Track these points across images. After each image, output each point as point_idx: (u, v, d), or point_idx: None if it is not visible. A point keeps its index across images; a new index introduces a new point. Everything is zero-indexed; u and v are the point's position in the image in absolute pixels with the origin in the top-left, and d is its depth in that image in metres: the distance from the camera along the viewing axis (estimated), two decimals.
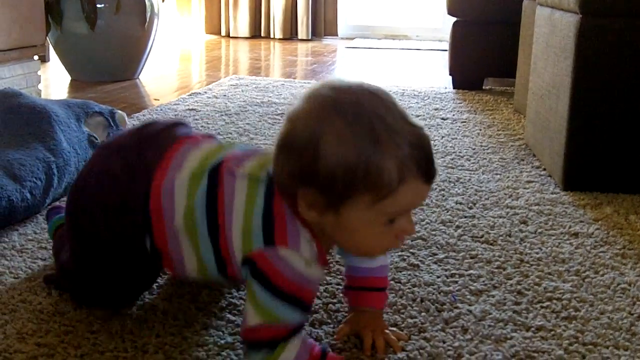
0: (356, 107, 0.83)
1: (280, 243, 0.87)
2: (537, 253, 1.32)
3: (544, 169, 1.82)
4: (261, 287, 0.86)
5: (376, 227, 0.85)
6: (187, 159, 0.96)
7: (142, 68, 3.21)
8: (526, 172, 1.81)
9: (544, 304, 1.13)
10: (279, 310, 0.86)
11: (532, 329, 1.05)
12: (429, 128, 2.27)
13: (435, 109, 2.54)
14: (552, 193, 1.65)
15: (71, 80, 3.11)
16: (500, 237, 1.39)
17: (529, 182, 1.73)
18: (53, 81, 3.16)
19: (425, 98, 2.72)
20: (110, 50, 3.05)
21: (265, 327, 0.87)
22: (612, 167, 1.66)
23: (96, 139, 1.68)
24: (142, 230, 0.96)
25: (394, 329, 1.04)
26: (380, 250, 0.92)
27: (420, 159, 0.82)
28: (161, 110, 2.39)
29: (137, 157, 0.98)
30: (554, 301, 1.14)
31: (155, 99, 2.69)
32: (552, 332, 1.04)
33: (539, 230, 1.43)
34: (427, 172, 0.83)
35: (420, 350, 0.98)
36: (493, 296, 1.15)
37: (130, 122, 2.05)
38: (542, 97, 1.88)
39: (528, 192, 1.65)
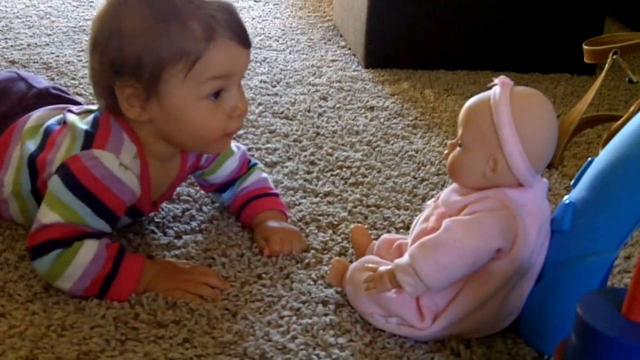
0: None
1: (97, 147, 0.83)
2: (333, 126, 1.35)
3: (349, 49, 1.85)
4: (64, 184, 0.82)
5: (202, 102, 0.82)
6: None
7: None
8: (331, 51, 1.83)
9: (334, 172, 1.17)
10: (81, 210, 0.81)
11: (321, 194, 1.09)
12: (241, 10, 2.21)
13: None
14: (354, 71, 1.69)
15: None
16: (300, 113, 1.41)
17: (333, 60, 1.76)
18: None
19: None
20: None
21: (62, 225, 0.81)
22: (410, 45, 1.71)
23: None
24: None
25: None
26: (217, 134, 0.84)
27: (228, 20, 0.81)
28: None
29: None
30: (344, 169, 1.18)
31: None
32: (339, 197, 1.09)
33: (338, 105, 1.46)
34: (238, 33, 0.82)
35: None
36: (286, 167, 1.17)
37: None
38: None
39: (331, 70, 1.68)
